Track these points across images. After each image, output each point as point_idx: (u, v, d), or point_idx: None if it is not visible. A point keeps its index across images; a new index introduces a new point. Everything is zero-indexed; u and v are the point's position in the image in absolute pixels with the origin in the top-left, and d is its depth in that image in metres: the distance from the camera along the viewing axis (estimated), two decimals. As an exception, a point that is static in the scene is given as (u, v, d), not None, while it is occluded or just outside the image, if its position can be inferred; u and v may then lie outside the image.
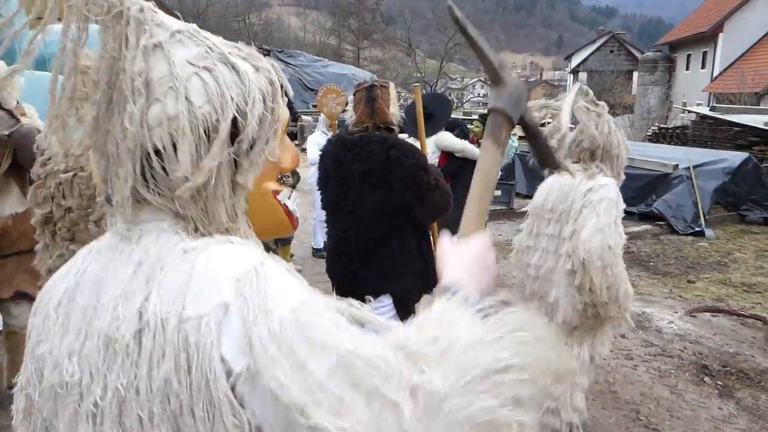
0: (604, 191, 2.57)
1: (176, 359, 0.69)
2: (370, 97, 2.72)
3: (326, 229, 3.01)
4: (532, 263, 2.82)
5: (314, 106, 15.04)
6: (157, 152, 0.75)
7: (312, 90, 21.73)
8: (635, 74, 34.53)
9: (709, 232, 8.68)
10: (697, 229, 8.69)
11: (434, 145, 5.22)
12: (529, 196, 10.29)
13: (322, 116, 6.26)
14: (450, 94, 53.13)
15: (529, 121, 1.16)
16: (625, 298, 2.53)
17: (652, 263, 7.07)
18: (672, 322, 4.87)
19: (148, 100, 0.74)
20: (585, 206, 2.56)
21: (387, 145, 2.64)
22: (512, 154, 12.97)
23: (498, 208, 9.87)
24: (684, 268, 7.04)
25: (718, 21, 26.70)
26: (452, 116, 6.03)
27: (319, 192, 2.90)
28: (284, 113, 0.90)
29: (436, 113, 5.14)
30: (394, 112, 2.77)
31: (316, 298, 0.74)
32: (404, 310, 2.75)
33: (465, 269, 0.91)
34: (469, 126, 6.37)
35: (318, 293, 0.75)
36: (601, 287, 2.44)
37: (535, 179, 11.30)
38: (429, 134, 4.38)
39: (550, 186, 2.78)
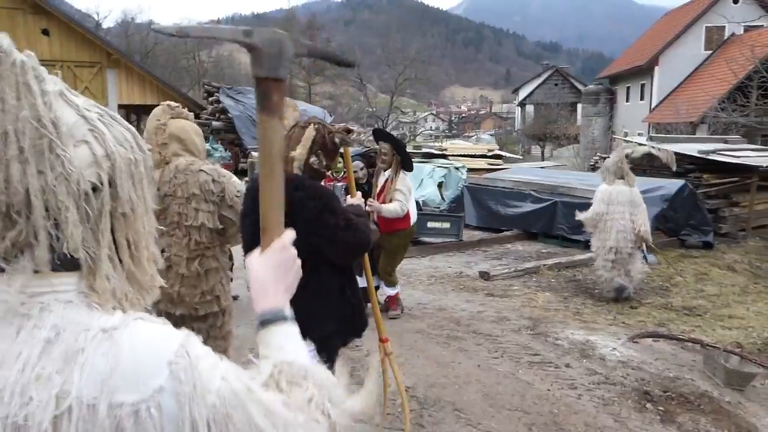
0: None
1: None
2: (286, 136, 2.69)
3: None
4: (616, 224, 6.45)
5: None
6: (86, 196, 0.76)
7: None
8: (579, 106, 35.79)
9: (651, 258, 8.89)
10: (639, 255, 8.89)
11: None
12: (480, 228, 10.36)
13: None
14: (402, 128, 53.84)
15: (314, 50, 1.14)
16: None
17: (597, 290, 7.18)
18: (615, 349, 4.92)
19: (64, 143, 0.74)
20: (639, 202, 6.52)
21: (293, 186, 2.53)
22: (461, 186, 13.21)
23: (447, 240, 9.91)
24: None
25: (654, 55, 28.06)
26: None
27: (242, 231, 2.81)
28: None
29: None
30: (297, 153, 2.66)
31: (230, 365, 0.79)
32: (326, 357, 2.62)
33: (271, 281, 1.00)
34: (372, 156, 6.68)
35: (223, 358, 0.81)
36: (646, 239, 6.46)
37: (483, 210, 11.49)
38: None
39: (611, 189, 6.53)
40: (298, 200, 2.49)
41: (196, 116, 24.59)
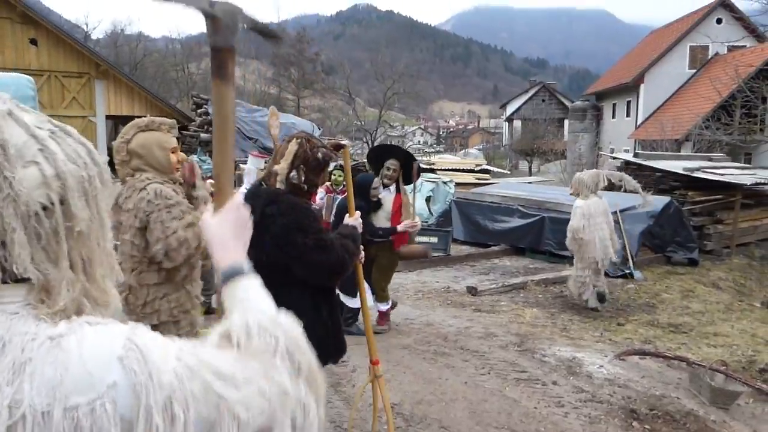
0: None
1: None
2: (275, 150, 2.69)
3: None
4: (597, 235, 6.74)
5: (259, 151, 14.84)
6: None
7: (251, 139, 21.61)
8: (566, 122, 36.14)
9: (637, 274, 8.96)
10: (626, 271, 8.95)
11: None
12: (467, 243, 10.37)
13: (247, 168, 6.10)
14: (390, 141, 54.01)
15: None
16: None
17: (584, 307, 7.20)
18: (602, 366, 4.92)
19: (12, 164, 0.75)
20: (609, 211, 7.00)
21: (267, 200, 2.53)
22: (449, 200, 13.24)
23: (435, 255, 9.91)
24: (614, 310, 7.20)
25: (640, 72, 28.43)
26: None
27: None
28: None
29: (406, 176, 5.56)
30: (279, 168, 2.62)
31: (182, 343, 0.81)
32: None
33: (229, 238, 1.09)
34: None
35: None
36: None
37: (471, 225, 11.51)
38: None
39: (588, 203, 6.78)
40: (269, 215, 2.47)
41: (185, 128, 24.45)
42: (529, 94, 48.42)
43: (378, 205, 5.37)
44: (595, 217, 6.74)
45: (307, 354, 0.90)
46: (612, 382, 4.59)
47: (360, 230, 2.83)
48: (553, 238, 10.02)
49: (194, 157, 17.51)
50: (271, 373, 0.83)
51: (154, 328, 2.97)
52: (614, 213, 9.52)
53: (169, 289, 2.91)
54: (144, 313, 2.83)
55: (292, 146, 2.58)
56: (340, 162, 5.09)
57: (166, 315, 2.93)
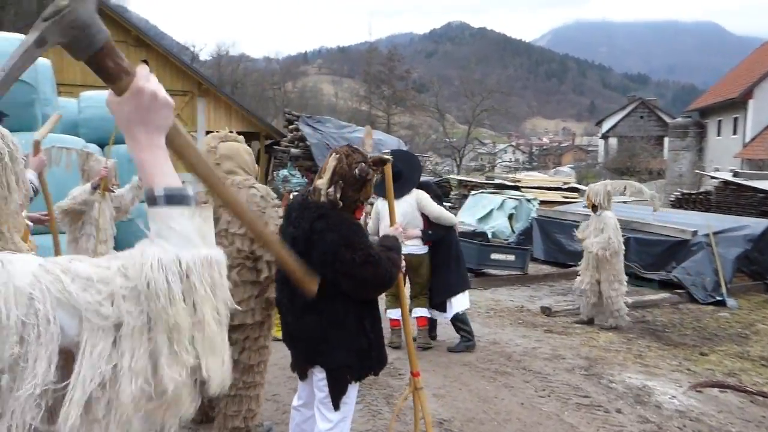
0: None
1: None
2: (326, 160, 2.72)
3: None
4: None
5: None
6: None
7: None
8: (666, 140, 34.31)
9: (731, 302, 8.33)
10: (718, 298, 8.35)
11: (415, 203, 5.20)
12: (548, 262, 10.09)
13: None
14: (480, 159, 53.45)
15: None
16: None
17: (666, 333, 6.79)
18: (674, 397, 4.61)
19: None
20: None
21: (317, 214, 2.56)
22: (531, 218, 12.91)
23: (512, 273, 9.70)
24: (700, 339, 6.73)
25: (748, 87, 26.56)
26: (424, 177, 6.10)
27: None
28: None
29: (406, 174, 5.07)
30: (323, 182, 2.67)
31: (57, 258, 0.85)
32: (334, 388, 2.57)
33: (145, 122, 0.94)
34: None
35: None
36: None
37: (552, 244, 11.16)
38: (397, 196, 4.29)
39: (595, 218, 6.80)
40: (318, 230, 2.52)
41: (277, 143, 25.48)
42: (627, 111, 46.42)
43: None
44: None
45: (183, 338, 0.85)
46: (683, 415, 4.29)
47: (401, 240, 2.86)
48: (638, 260, 9.54)
49: (284, 172, 18.18)
50: (121, 303, 0.82)
51: (247, 327, 3.20)
52: (706, 235, 8.95)
53: (260, 289, 3.15)
54: (237, 311, 3.04)
55: (332, 162, 2.61)
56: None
57: (259, 315, 3.14)
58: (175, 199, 0.92)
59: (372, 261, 2.51)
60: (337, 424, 2.61)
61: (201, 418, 3.62)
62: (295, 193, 4.24)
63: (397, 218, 4.79)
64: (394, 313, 5.43)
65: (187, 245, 0.89)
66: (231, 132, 3.44)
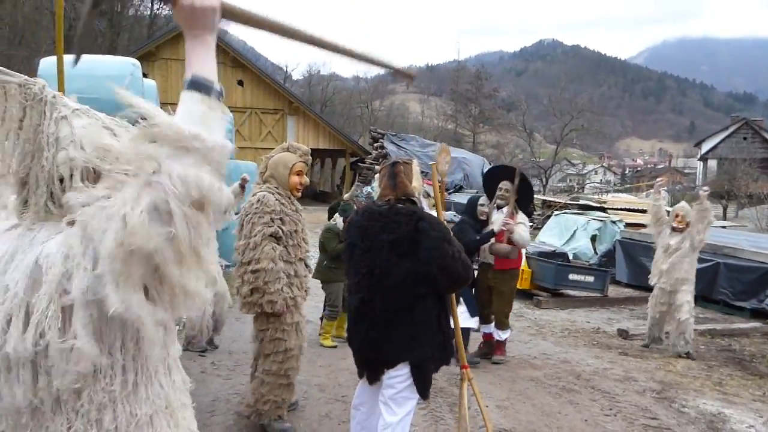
0: None
1: None
2: (392, 172, 2.96)
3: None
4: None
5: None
6: (61, 180, 1.18)
7: (423, 172, 22.42)
8: (772, 162, 32.10)
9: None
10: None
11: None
12: (631, 285, 9.77)
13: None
14: (568, 180, 52.02)
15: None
16: None
17: (753, 363, 6.46)
18: (752, 426, 4.43)
19: (56, 149, 1.16)
20: None
21: (416, 217, 2.84)
22: (615, 240, 12.54)
23: (591, 294, 9.50)
24: (791, 370, 6.35)
25: None
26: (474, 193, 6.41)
27: (346, 260, 3.10)
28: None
29: (523, 199, 5.68)
30: (417, 186, 2.99)
31: None
32: (421, 380, 2.85)
33: (201, 31, 1.17)
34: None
35: None
36: None
37: (635, 267, 10.80)
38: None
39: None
40: (423, 230, 2.79)
41: (362, 161, 26.20)
42: (729, 131, 43.86)
43: (485, 224, 5.55)
44: None
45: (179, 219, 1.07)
46: (760, 444, 4.13)
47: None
48: (729, 287, 9.09)
49: (368, 189, 18.65)
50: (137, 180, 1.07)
51: (271, 314, 3.57)
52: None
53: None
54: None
55: (416, 167, 3.01)
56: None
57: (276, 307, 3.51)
58: (197, 84, 1.14)
59: (461, 257, 2.83)
60: (403, 418, 2.87)
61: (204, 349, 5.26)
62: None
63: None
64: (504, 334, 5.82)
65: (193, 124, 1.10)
66: (296, 145, 3.76)
